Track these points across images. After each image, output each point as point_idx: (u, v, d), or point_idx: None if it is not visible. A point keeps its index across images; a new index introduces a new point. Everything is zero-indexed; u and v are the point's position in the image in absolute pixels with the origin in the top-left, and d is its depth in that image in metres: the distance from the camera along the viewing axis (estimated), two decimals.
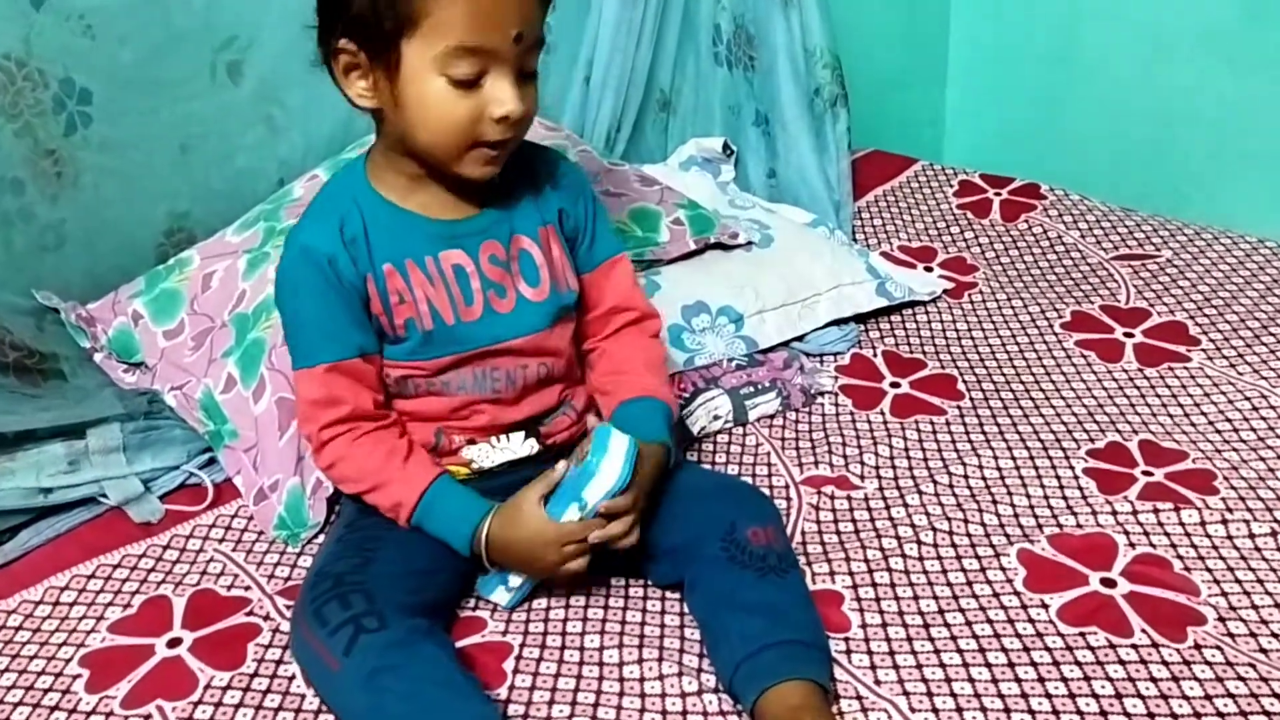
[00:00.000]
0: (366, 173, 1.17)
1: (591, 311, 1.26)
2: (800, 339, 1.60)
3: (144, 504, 1.32)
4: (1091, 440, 1.37)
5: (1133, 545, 1.19)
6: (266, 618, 1.16)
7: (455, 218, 1.16)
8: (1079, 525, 1.23)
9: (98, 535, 1.29)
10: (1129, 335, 1.60)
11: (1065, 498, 1.28)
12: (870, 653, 1.08)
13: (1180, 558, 1.18)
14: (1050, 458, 1.35)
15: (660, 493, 1.15)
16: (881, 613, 1.13)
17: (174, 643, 1.13)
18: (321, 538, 1.26)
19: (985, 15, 2.63)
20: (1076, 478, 1.31)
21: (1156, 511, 1.24)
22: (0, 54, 1.34)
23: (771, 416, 1.46)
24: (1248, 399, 1.43)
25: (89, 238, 1.48)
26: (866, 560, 1.20)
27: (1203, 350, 1.55)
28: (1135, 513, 1.24)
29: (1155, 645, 1.06)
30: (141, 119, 1.48)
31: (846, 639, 1.10)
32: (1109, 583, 1.15)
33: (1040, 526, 1.24)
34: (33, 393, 1.36)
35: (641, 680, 1.05)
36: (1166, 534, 1.21)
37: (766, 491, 1.32)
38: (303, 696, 1.05)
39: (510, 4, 1.04)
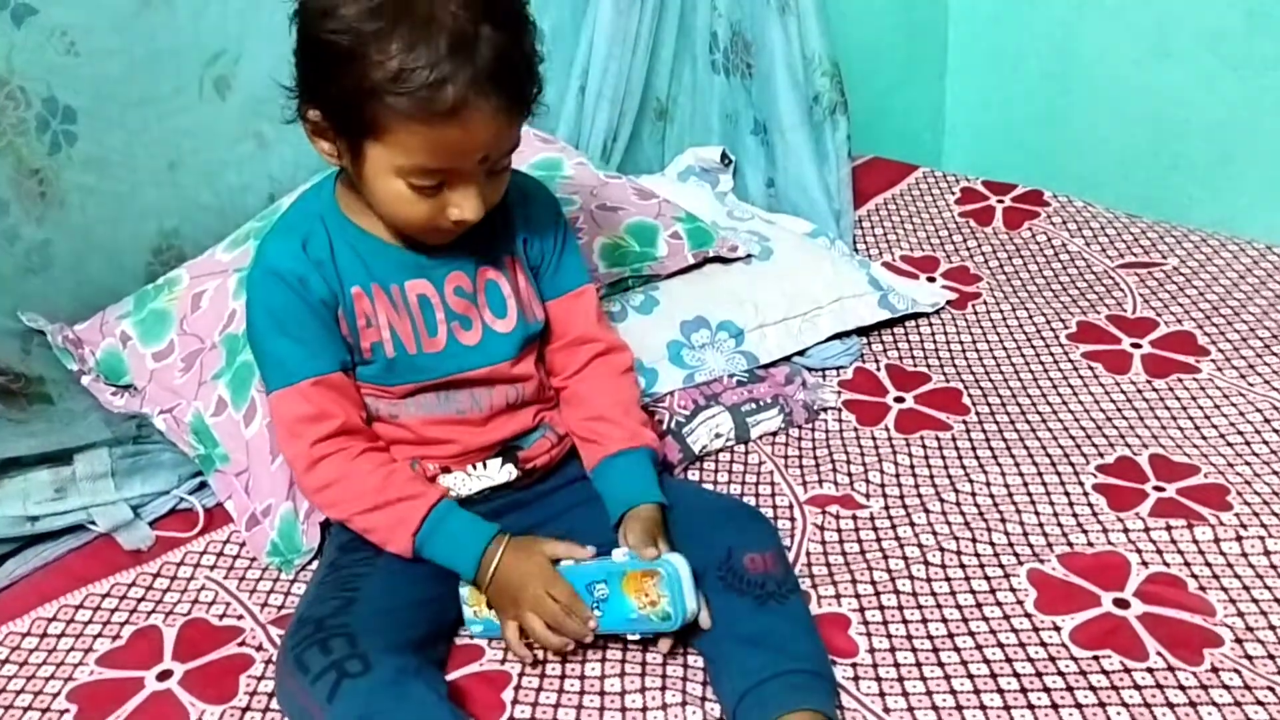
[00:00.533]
0: (335, 193, 1.15)
1: (556, 342, 1.24)
2: (802, 353, 1.57)
3: (134, 531, 1.29)
4: (1100, 455, 1.35)
5: (1145, 564, 1.17)
6: (259, 648, 1.13)
7: (421, 248, 1.14)
8: (1090, 544, 1.20)
9: (86, 564, 1.26)
10: (1136, 346, 1.57)
11: (1075, 515, 1.25)
12: (879, 679, 1.06)
13: (1194, 576, 1.15)
14: (1059, 473, 1.32)
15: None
16: (890, 636, 1.10)
17: (164, 675, 1.10)
18: (315, 564, 1.23)
19: (984, 19, 2.61)
20: (1086, 494, 1.28)
21: (1169, 528, 1.21)
22: None
23: (774, 434, 1.44)
24: (1259, 410, 1.40)
25: (76, 258, 1.45)
26: (873, 582, 1.17)
27: (1212, 361, 1.52)
28: (1147, 530, 1.21)
29: (1171, 669, 1.04)
30: (128, 136, 1.45)
31: (854, 664, 1.07)
32: (1122, 603, 1.12)
33: (1050, 545, 1.21)
34: (18, 417, 1.33)
35: (644, 710, 1.02)
36: (1180, 551, 1.18)
37: (770, 512, 1.29)
38: None
39: (475, 138, 1.01)
